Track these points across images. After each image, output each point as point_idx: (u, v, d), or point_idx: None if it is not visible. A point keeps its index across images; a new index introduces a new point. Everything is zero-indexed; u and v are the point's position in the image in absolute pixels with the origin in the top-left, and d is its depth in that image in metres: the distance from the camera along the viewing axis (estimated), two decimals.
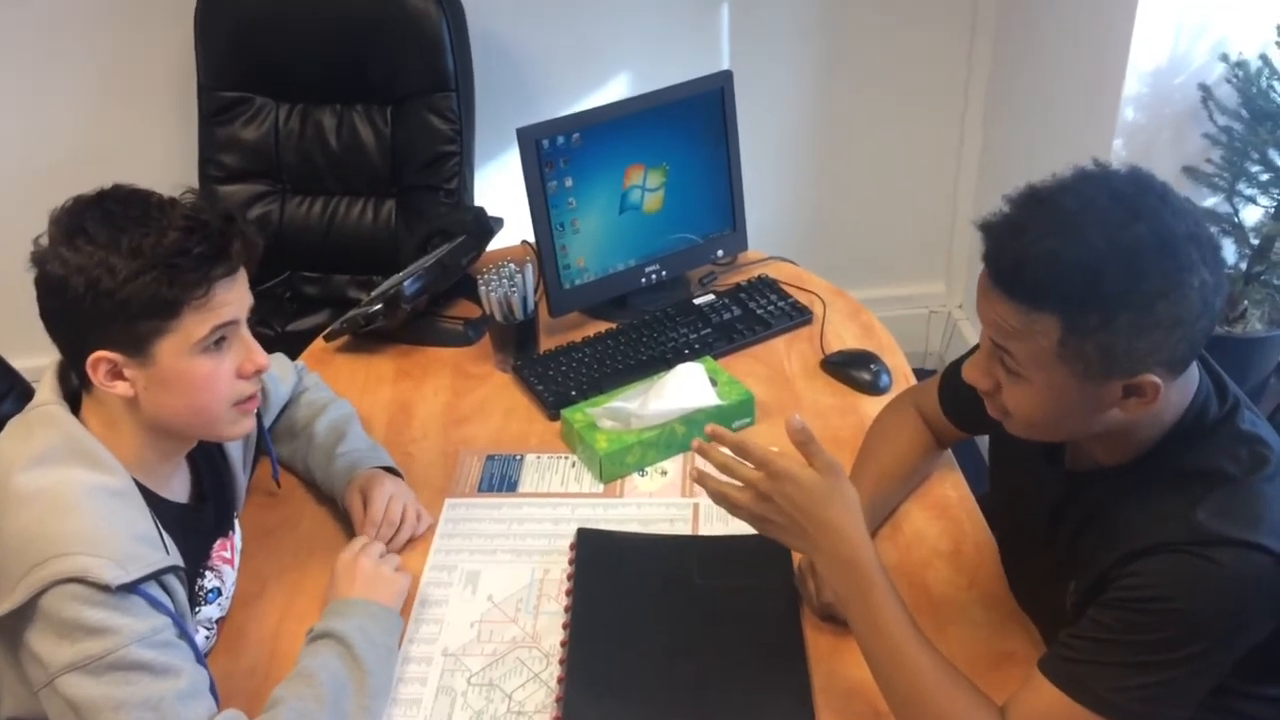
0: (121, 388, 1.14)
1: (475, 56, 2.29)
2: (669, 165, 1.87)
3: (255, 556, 1.43)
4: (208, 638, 1.31)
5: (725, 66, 2.11)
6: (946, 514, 1.48)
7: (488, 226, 1.98)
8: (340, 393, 1.64)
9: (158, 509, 1.19)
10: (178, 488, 1.29)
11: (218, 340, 1.16)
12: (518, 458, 1.61)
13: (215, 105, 2.30)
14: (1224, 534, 1.01)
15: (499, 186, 2.45)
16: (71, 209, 1.13)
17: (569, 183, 1.79)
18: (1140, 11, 2.00)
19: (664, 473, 1.57)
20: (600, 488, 1.55)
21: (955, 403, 1.42)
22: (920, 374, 1.78)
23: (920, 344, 3.13)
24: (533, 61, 2.51)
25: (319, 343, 1.89)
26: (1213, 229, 2.09)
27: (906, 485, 1.49)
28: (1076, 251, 0.99)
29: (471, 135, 2.30)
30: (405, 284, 1.78)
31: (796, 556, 1.39)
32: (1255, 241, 2.05)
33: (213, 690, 1.15)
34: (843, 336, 1.84)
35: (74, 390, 1.21)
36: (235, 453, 1.40)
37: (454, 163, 2.26)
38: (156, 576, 1.11)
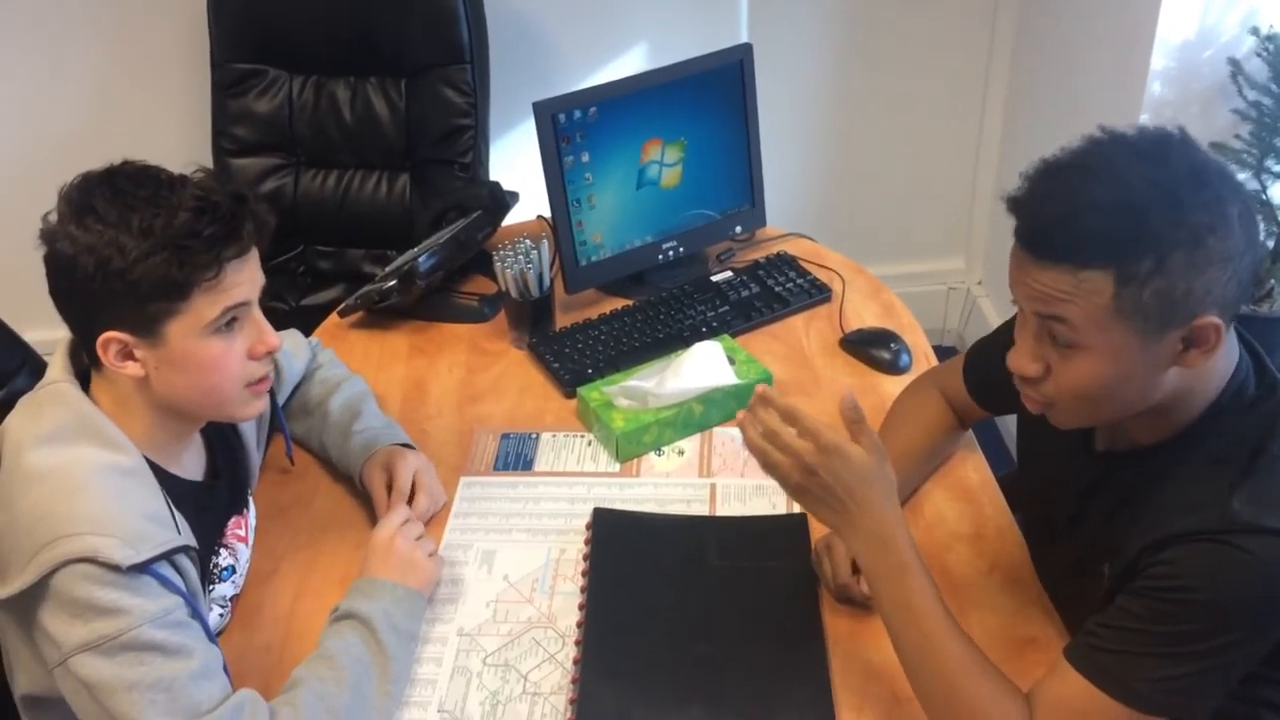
0: (132, 368, 1.13)
1: (490, 29, 2.26)
2: (687, 140, 1.84)
3: (269, 534, 1.43)
4: (222, 615, 1.30)
5: (744, 39, 2.07)
6: (968, 496, 1.46)
7: (503, 201, 1.96)
8: (354, 369, 1.63)
9: (170, 487, 1.18)
10: (191, 465, 1.28)
11: (229, 321, 1.15)
12: (533, 436, 1.60)
13: (228, 78, 2.28)
14: (1257, 522, 0.99)
15: (514, 161, 2.43)
16: (81, 186, 1.11)
17: (586, 158, 1.77)
18: None
19: (681, 452, 1.56)
20: (616, 467, 1.54)
21: (981, 383, 1.40)
22: (939, 351, 1.76)
23: (939, 321, 3.10)
24: (548, 34, 2.48)
25: (333, 318, 1.87)
26: None
27: (928, 466, 1.47)
28: (1117, 195, 0.97)
29: (486, 109, 2.27)
30: (420, 260, 1.76)
31: (815, 537, 1.38)
32: None
33: (225, 670, 1.14)
34: (862, 315, 1.82)
35: (85, 368, 1.20)
36: (249, 430, 1.40)
37: (469, 136, 2.23)
38: (168, 556, 1.10)
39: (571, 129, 1.74)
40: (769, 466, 1.13)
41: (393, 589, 1.26)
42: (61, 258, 1.09)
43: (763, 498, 1.47)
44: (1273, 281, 2.04)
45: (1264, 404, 1.08)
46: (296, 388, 1.54)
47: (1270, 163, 2.01)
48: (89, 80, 2.51)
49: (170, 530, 1.12)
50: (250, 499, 1.40)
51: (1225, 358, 1.07)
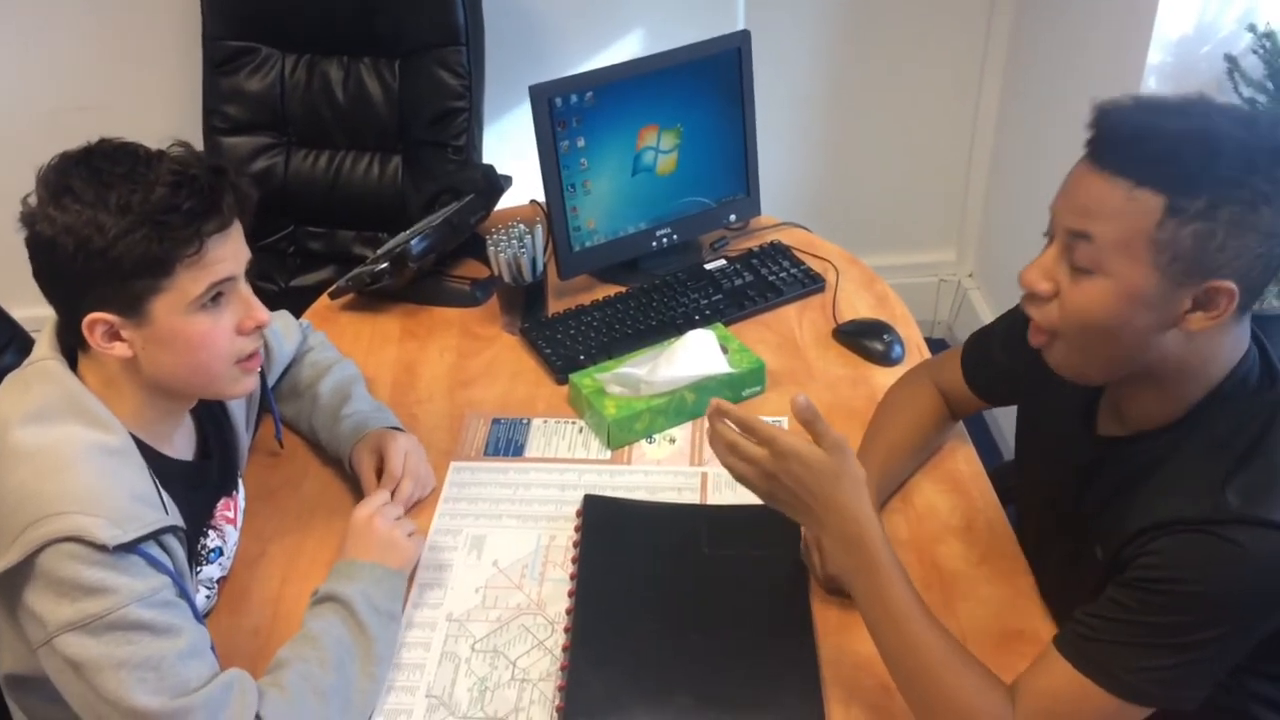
0: (120, 349, 1.12)
1: (486, 11, 2.24)
2: (683, 127, 1.83)
3: (257, 516, 1.42)
4: (209, 598, 1.30)
5: (741, 26, 2.06)
6: (958, 488, 1.46)
7: (497, 185, 1.95)
8: (345, 352, 1.62)
9: (159, 466, 1.17)
10: (180, 445, 1.27)
11: (214, 297, 1.13)
12: (524, 422, 1.59)
13: (221, 55, 2.25)
14: (1249, 514, 0.99)
15: (508, 144, 2.41)
16: (58, 167, 1.10)
17: (581, 143, 1.76)
18: None
19: (672, 440, 1.55)
20: (608, 454, 1.53)
21: (979, 372, 1.41)
22: (930, 344, 1.76)
23: (929, 312, 3.11)
24: (545, 17, 2.46)
25: (323, 300, 1.86)
26: None
27: (918, 458, 1.47)
28: (1199, 127, 0.98)
29: (481, 91, 2.26)
30: (412, 242, 1.75)
31: (804, 529, 1.38)
32: None
33: (212, 650, 1.14)
34: (856, 305, 1.82)
35: (72, 347, 1.19)
36: (237, 411, 1.38)
37: (463, 119, 2.22)
38: (155, 536, 1.09)
39: (568, 113, 1.72)
40: (737, 478, 1.14)
41: (371, 569, 1.26)
42: (42, 240, 1.08)
43: None
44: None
45: (1266, 394, 1.08)
46: (286, 370, 1.53)
47: None
48: (79, 57, 2.48)
49: (158, 510, 1.11)
50: (240, 481, 1.40)
51: (1233, 345, 1.07)
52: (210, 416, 1.33)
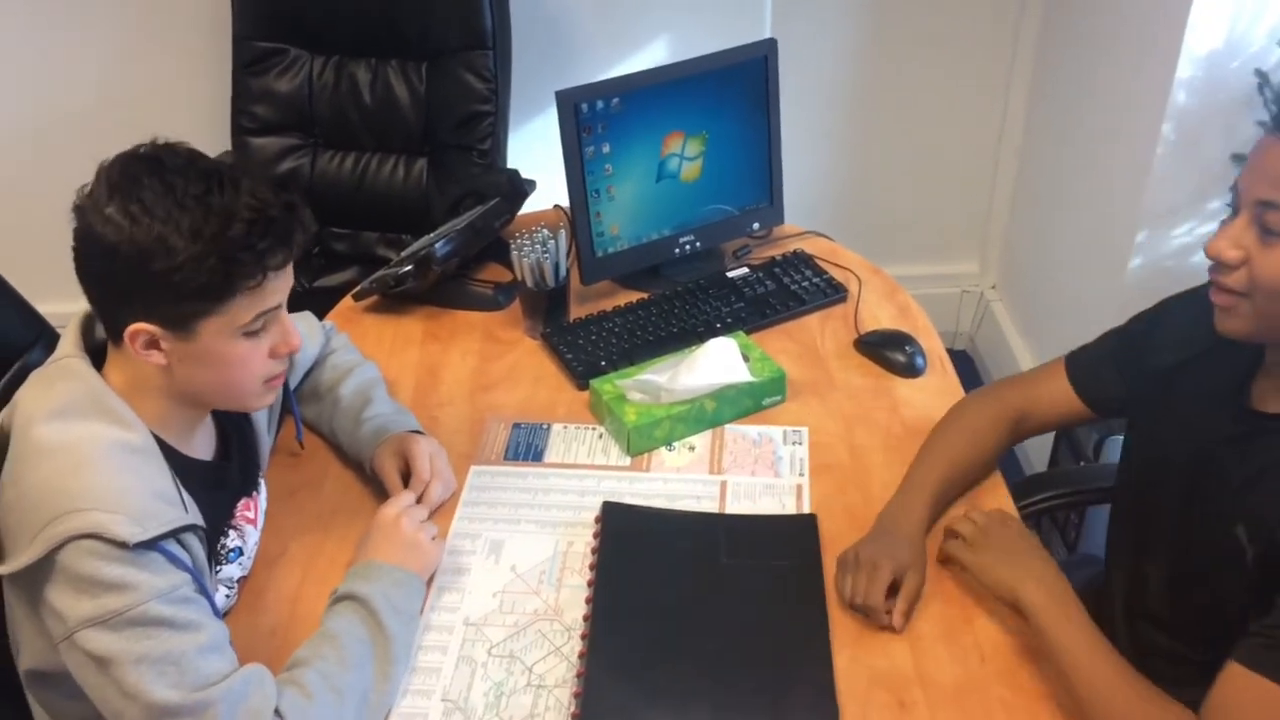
0: (156, 358, 1.13)
1: (514, 15, 2.25)
2: (708, 134, 1.83)
3: (278, 516, 1.43)
4: (228, 597, 1.30)
5: (768, 34, 2.06)
6: (975, 503, 1.44)
7: (521, 189, 1.95)
8: (367, 354, 1.62)
9: (179, 466, 1.18)
10: (201, 445, 1.28)
11: (261, 324, 1.15)
12: (545, 427, 1.59)
13: (250, 55, 2.27)
14: None
15: (533, 149, 2.42)
16: (125, 169, 1.09)
17: (606, 149, 1.76)
18: None
19: (692, 448, 1.55)
20: (627, 461, 1.53)
21: (1092, 381, 1.43)
22: (952, 355, 1.75)
23: (951, 324, 3.10)
24: (572, 23, 2.47)
25: (347, 301, 1.87)
26: None
27: (977, 474, 1.47)
28: None
29: (507, 96, 2.27)
30: (437, 245, 1.76)
31: (825, 538, 1.37)
32: None
33: (230, 647, 1.14)
34: (878, 316, 1.81)
35: (97, 343, 1.20)
36: (260, 413, 1.39)
37: (488, 123, 2.23)
38: (175, 535, 1.10)
39: (594, 119, 1.73)
40: (952, 550, 1.32)
41: (392, 571, 1.26)
42: (101, 242, 1.07)
43: (772, 496, 1.46)
44: None
45: None
46: (309, 372, 1.54)
47: None
48: (111, 54, 2.50)
49: (178, 509, 1.12)
50: (261, 481, 1.40)
51: None
52: (231, 418, 1.34)
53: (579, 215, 1.78)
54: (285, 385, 1.42)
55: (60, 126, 2.55)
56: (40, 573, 1.06)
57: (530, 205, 1.98)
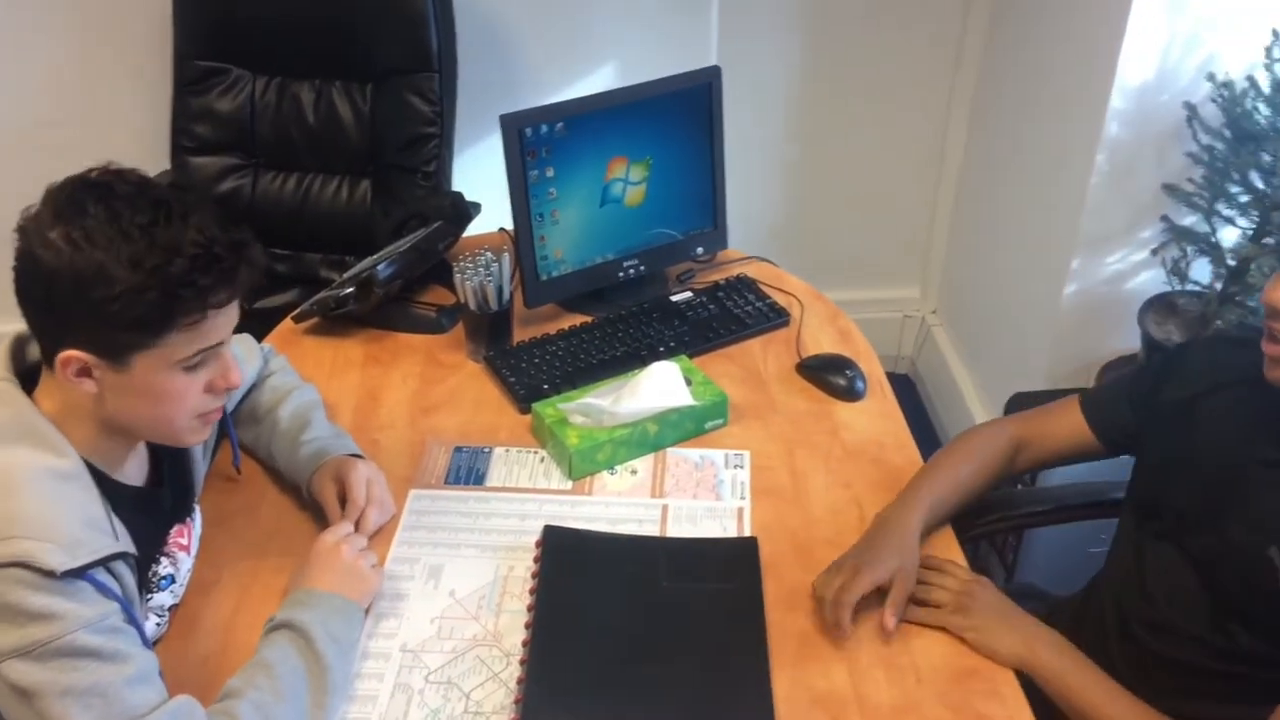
0: (87, 385, 1.11)
1: (460, 39, 2.25)
2: (652, 159, 1.84)
3: (212, 543, 1.40)
4: (159, 625, 1.28)
5: (713, 62, 2.08)
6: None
7: (466, 212, 1.95)
8: (307, 376, 1.61)
9: (111, 492, 1.16)
10: (134, 471, 1.26)
11: (198, 358, 1.13)
12: (486, 450, 1.59)
13: (191, 74, 2.25)
14: None
15: (478, 172, 2.41)
16: (73, 193, 1.06)
17: (550, 172, 1.76)
18: (1130, 27, 2.00)
19: (634, 472, 1.55)
20: (569, 485, 1.53)
21: (1105, 414, 1.46)
22: (892, 379, 1.77)
23: (893, 348, 3.13)
24: (518, 47, 2.47)
25: (287, 323, 1.85)
26: (1189, 248, 2.11)
27: (969, 498, 1.48)
28: None
29: (452, 118, 2.26)
30: (379, 267, 1.74)
31: (765, 562, 1.38)
32: (1231, 263, 2.05)
33: (160, 677, 1.12)
34: (819, 340, 1.83)
35: (27, 366, 1.18)
36: None
37: (433, 145, 2.22)
38: (104, 563, 1.08)
39: (538, 143, 1.73)
40: (926, 613, 1.32)
41: (330, 599, 1.24)
42: (41, 265, 1.05)
43: (714, 520, 1.47)
44: (1219, 323, 2.08)
45: None
46: (247, 394, 1.52)
47: (1220, 206, 2.05)
48: (50, 72, 2.46)
49: (108, 537, 1.10)
50: (196, 507, 1.38)
51: None
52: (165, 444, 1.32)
53: (523, 238, 1.78)
54: (223, 409, 1.40)
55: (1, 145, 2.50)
56: None
57: (474, 228, 1.98)
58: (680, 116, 1.84)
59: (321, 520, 1.41)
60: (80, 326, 1.07)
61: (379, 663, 1.26)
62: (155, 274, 1.04)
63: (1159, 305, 2.19)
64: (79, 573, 1.04)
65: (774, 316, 1.85)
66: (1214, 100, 2.03)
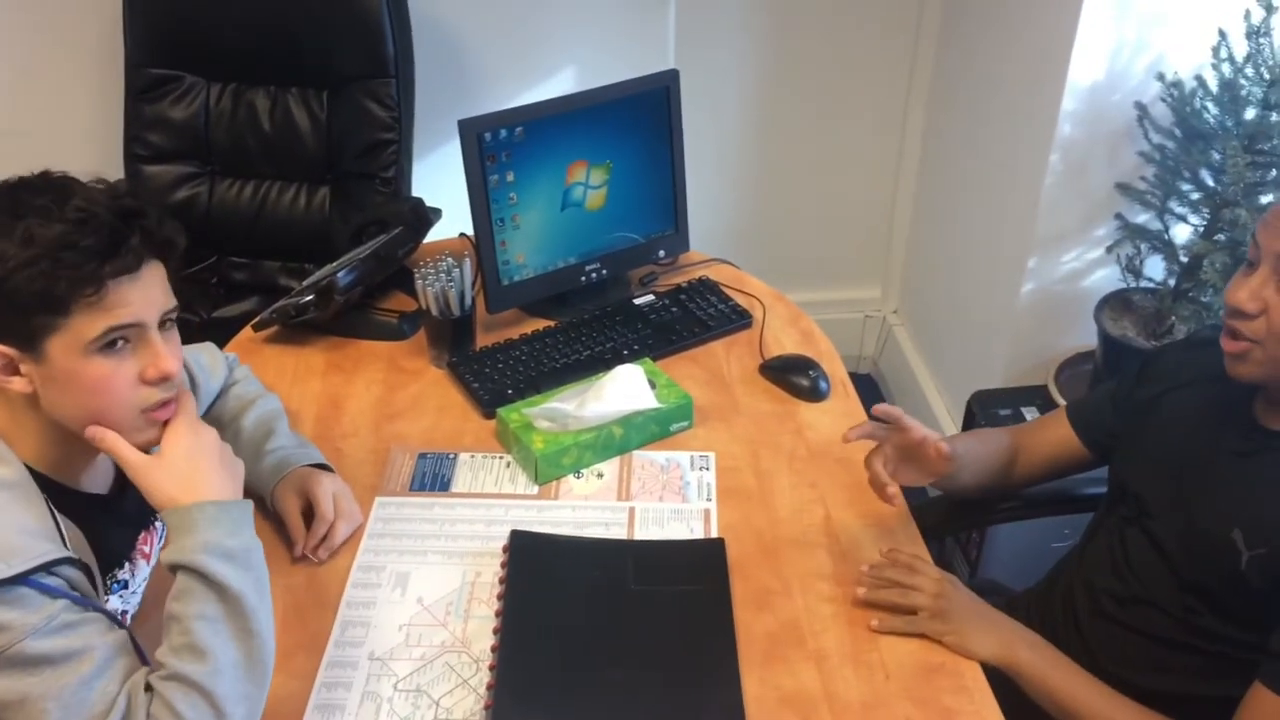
0: (18, 383, 1.09)
1: (416, 44, 2.24)
2: (612, 163, 1.84)
3: None
4: None
5: (671, 65, 2.09)
6: (881, 523, 1.48)
7: (426, 218, 1.94)
8: (268, 385, 1.59)
9: (64, 501, 1.14)
10: (96, 478, 1.23)
11: (113, 342, 1.10)
12: (451, 456, 1.58)
13: (143, 82, 2.22)
14: None
15: (437, 177, 2.41)
16: None
17: (510, 177, 1.76)
18: (1081, 28, 2.03)
19: (600, 475, 1.55)
20: (535, 489, 1.53)
21: (1089, 419, 1.51)
22: (855, 379, 1.78)
23: (855, 348, 3.15)
24: (475, 52, 2.47)
25: (247, 332, 1.83)
26: (1143, 246, 2.15)
27: (981, 458, 1.51)
28: None
29: (410, 124, 2.25)
30: (339, 274, 1.73)
31: (732, 562, 1.39)
32: (1184, 259, 2.09)
33: (139, 650, 1.11)
34: (782, 341, 1.84)
35: None
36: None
37: (392, 151, 2.21)
38: (47, 569, 1.05)
39: (497, 148, 1.73)
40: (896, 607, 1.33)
41: (201, 510, 1.12)
42: None
43: (680, 522, 1.47)
44: (1173, 319, 2.11)
45: None
46: (212, 404, 1.50)
47: (1173, 204, 2.09)
48: (1, 78, 2.43)
49: (50, 543, 1.07)
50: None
51: None
52: None
53: (484, 244, 1.77)
54: (174, 405, 1.38)
55: None
56: None
57: (435, 234, 1.97)
58: (639, 120, 1.85)
59: (284, 530, 1.39)
60: None
61: (346, 671, 1.25)
62: (40, 243, 1.04)
63: (1114, 302, 2.22)
64: (17, 580, 1.02)
65: (736, 318, 1.86)
66: (1164, 100, 2.06)
